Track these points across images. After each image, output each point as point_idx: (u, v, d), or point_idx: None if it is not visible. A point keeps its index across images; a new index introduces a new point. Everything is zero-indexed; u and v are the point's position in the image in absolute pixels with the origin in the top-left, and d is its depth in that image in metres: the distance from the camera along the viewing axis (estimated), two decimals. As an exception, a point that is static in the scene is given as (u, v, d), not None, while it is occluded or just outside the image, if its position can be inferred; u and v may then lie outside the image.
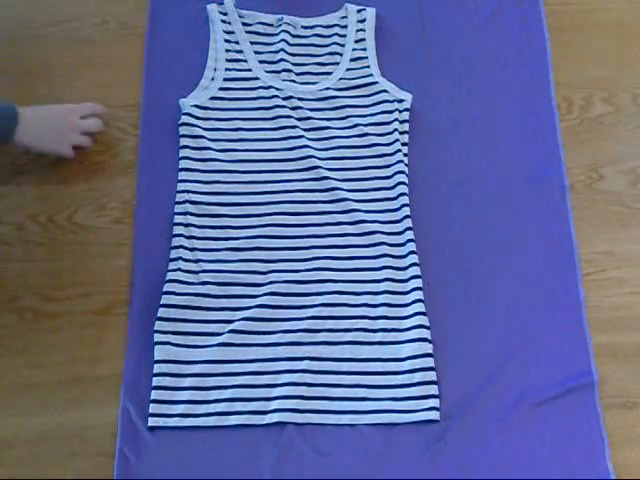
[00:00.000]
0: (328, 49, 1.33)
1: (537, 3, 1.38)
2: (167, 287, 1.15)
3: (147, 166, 1.24)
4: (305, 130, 1.26)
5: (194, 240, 1.18)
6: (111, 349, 1.13)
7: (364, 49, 1.33)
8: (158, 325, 1.12)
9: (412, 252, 1.17)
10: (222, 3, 1.36)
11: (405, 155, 1.24)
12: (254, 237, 1.18)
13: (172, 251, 1.17)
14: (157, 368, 1.10)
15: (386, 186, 1.22)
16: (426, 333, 1.12)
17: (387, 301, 1.14)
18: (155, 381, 1.09)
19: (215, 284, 1.15)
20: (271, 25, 1.35)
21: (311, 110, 1.28)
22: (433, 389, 1.09)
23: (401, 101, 1.28)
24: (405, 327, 1.12)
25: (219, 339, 1.12)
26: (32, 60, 1.32)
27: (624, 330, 1.15)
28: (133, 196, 1.23)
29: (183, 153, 1.24)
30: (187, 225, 1.19)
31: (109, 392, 1.10)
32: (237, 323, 1.13)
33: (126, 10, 1.37)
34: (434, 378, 1.10)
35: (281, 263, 1.17)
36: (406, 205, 1.20)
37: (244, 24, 1.35)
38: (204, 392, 1.09)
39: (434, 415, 1.08)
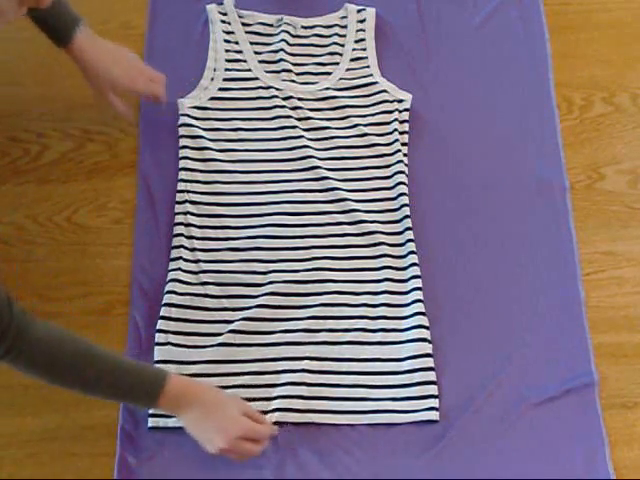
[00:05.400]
0: (328, 49, 1.33)
1: (537, 3, 1.38)
2: (169, 287, 1.14)
3: (147, 166, 1.24)
4: (305, 130, 1.26)
5: (194, 240, 1.18)
6: (111, 349, 1.12)
7: (364, 49, 1.33)
8: (160, 324, 1.12)
9: (412, 252, 1.17)
10: (222, 3, 1.36)
11: (405, 155, 1.24)
12: (254, 237, 1.18)
13: (173, 251, 1.17)
14: (157, 368, 1.10)
15: (386, 186, 1.22)
16: (426, 333, 1.12)
17: (387, 301, 1.14)
18: (155, 381, 1.09)
19: (215, 284, 1.15)
20: (271, 25, 1.35)
21: (311, 110, 1.28)
22: (433, 389, 1.09)
23: (401, 101, 1.28)
24: (405, 327, 1.12)
25: (219, 339, 1.12)
26: (32, 60, 1.32)
27: (624, 330, 1.15)
28: (133, 196, 1.23)
29: (183, 153, 1.24)
30: (187, 225, 1.19)
31: (109, 392, 1.10)
32: (237, 323, 1.13)
33: (126, 10, 1.37)
34: (434, 378, 1.10)
35: (281, 263, 1.17)
36: (406, 205, 1.20)
37: (244, 24, 1.35)
38: (204, 392, 1.09)
39: (434, 415, 1.08)
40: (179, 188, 1.22)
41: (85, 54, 1.16)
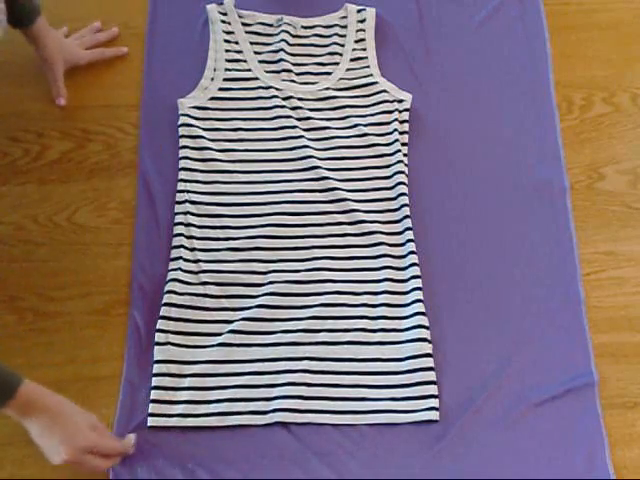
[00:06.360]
0: (328, 49, 1.33)
1: (537, 3, 1.38)
2: (168, 286, 1.14)
3: (147, 166, 1.24)
4: (305, 130, 1.26)
5: (194, 240, 1.18)
6: (111, 349, 1.13)
7: (364, 49, 1.33)
8: (160, 324, 1.12)
9: (412, 252, 1.17)
10: (222, 3, 1.36)
11: (405, 155, 1.24)
12: (254, 237, 1.18)
13: (172, 251, 1.17)
14: (157, 368, 1.10)
15: (386, 186, 1.22)
16: (425, 333, 1.12)
17: (387, 301, 1.14)
18: (155, 381, 1.09)
19: (215, 284, 1.15)
20: (271, 25, 1.35)
21: (311, 110, 1.28)
22: (432, 389, 1.09)
23: (401, 101, 1.28)
24: (405, 327, 1.12)
25: (219, 339, 1.12)
26: (32, 60, 1.32)
27: (624, 330, 1.15)
28: (133, 196, 1.23)
29: (183, 153, 1.24)
30: (187, 225, 1.19)
31: (109, 392, 1.09)
32: (237, 323, 1.13)
33: (126, 10, 1.37)
34: (433, 378, 1.10)
35: (281, 263, 1.17)
36: (406, 205, 1.20)
37: (244, 24, 1.35)
38: (204, 392, 1.09)
39: (434, 415, 1.08)
40: (179, 188, 1.22)
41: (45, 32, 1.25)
